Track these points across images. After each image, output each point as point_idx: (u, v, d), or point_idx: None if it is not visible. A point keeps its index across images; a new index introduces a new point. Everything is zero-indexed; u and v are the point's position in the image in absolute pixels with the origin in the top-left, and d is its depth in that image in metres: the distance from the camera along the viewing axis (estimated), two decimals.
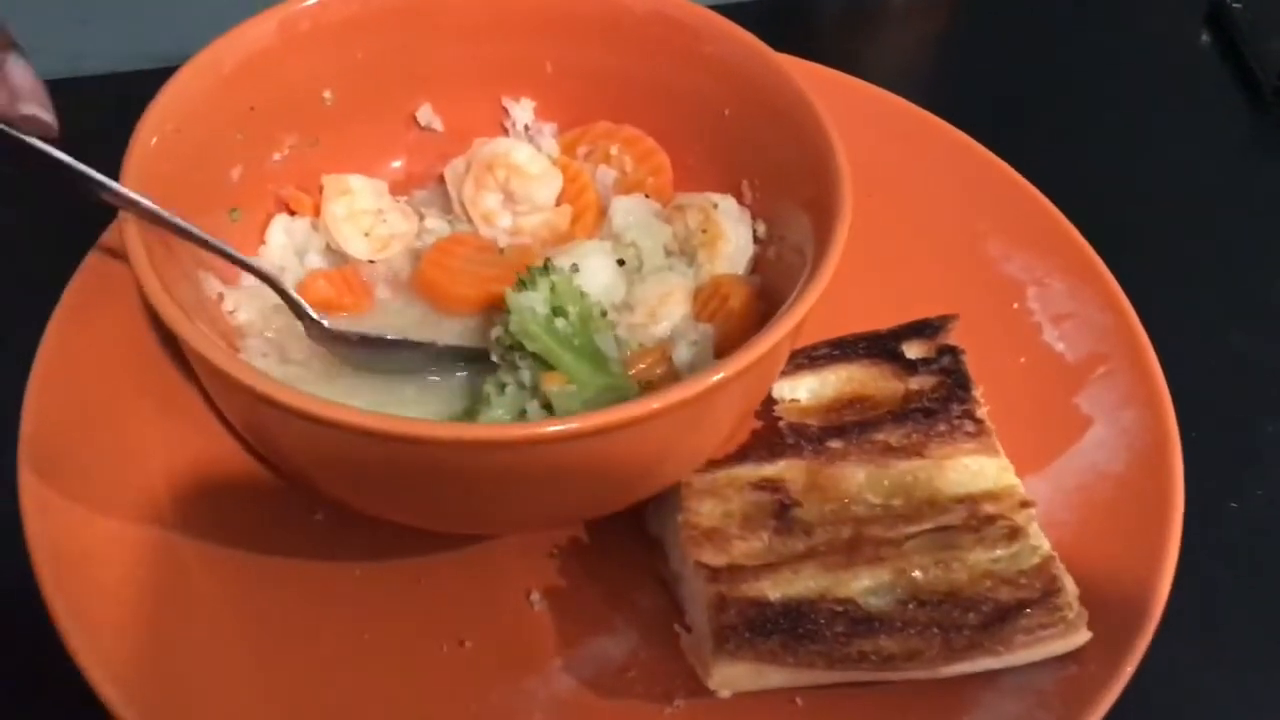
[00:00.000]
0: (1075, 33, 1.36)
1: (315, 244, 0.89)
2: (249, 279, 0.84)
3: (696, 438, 0.74)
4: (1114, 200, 1.11)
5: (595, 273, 0.84)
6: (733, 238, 0.87)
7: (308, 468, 0.74)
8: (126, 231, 0.71)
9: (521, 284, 0.78)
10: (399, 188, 0.95)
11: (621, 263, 0.86)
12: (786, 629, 0.71)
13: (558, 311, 0.77)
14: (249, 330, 0.82)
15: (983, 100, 1.21)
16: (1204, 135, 1.24)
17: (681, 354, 0.83)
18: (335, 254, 0.89)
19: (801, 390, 0.86)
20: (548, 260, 0.80)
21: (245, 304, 0.83)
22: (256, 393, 0.63)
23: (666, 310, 0.84)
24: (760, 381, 0.76)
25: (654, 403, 0.65)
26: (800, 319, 0.70)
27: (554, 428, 0.63)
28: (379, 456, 0.67)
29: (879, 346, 0.87)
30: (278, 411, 0.64)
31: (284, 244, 0.88)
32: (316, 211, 0.90)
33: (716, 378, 0.66)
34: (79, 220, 0.84)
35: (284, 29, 0.84)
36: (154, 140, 0.76)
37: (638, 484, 0.76)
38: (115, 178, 0.72)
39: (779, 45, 0.87)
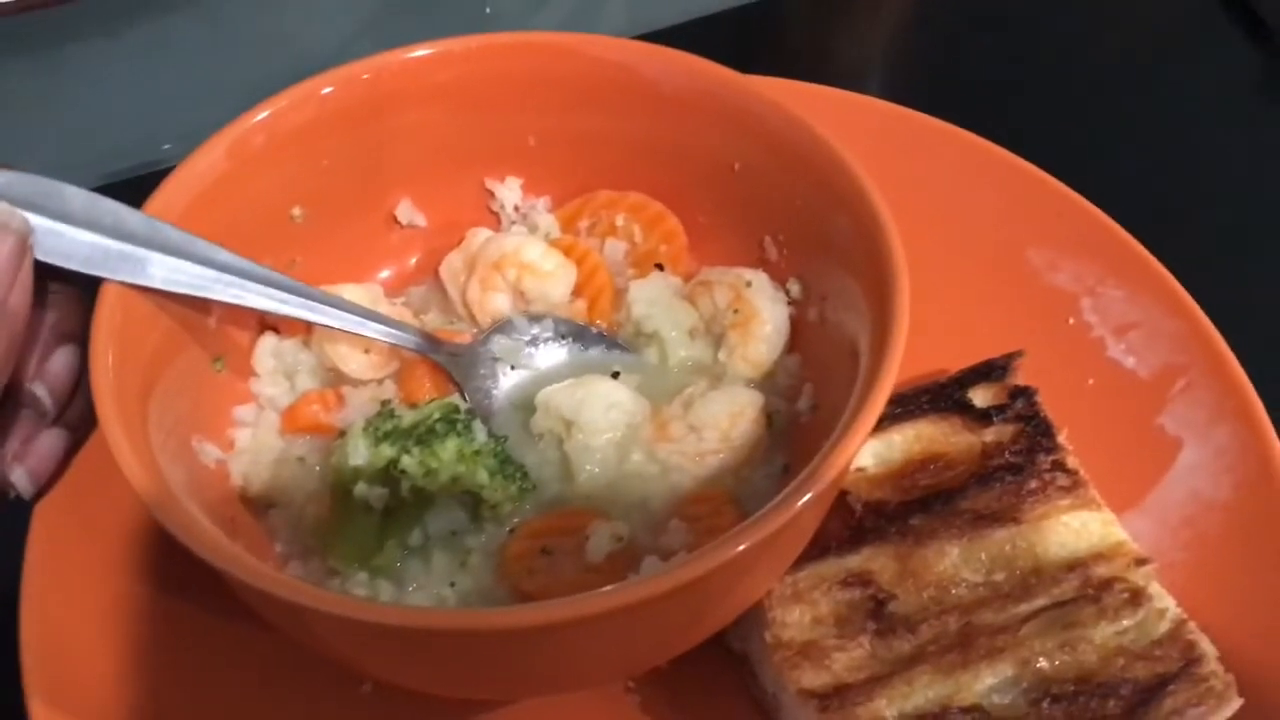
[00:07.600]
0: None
1: (306, 363, 0.80)
2: (243, 435, 0.76)
3: (770, 566, 0.67)
4: (1138, 183, 1.05)
5: (607, 403, 0.74)
6: (769, 318, 0.78)
7: (361, 664, 0.66)
8: (104, 417, 0.62)
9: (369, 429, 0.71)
10: (392, 289, 0.87)
11: (615, 374, 0.78)
12: None
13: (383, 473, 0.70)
14: (266, 499, 0.74)
15: (970, 83, 1.13)
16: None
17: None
18: (330, 372, 0.80)
19: (867, 458, 0.78)
20: (392, 417, 0.72)
21: (249, 469, 0.74)
22: (303, 607, 0.56)
23: (739, 430, 0.74)
24: (833, 492, 0.68)
25: (719, 553, 0.57)
26: (867, 429, 0.62)
27: (594, 603, 0.56)
28: (436, 647, 0.59)
29: (944, 397, 0.79)
30: (332, 621, 0.57)
31: (273, 367, 0.79)
32: (306, 328, 0.81)
33: (802, 500, 0.58)
34: None
35: (235, 152, 0.75)
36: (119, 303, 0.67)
37: (714, 620, 0.68)
38: None
39: (753, 48, 0.78)
